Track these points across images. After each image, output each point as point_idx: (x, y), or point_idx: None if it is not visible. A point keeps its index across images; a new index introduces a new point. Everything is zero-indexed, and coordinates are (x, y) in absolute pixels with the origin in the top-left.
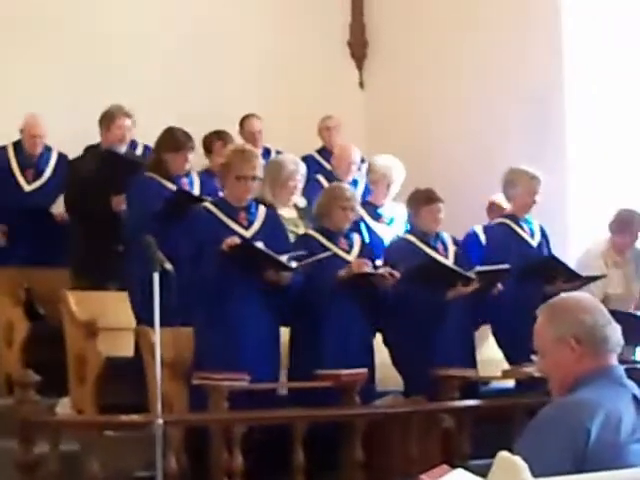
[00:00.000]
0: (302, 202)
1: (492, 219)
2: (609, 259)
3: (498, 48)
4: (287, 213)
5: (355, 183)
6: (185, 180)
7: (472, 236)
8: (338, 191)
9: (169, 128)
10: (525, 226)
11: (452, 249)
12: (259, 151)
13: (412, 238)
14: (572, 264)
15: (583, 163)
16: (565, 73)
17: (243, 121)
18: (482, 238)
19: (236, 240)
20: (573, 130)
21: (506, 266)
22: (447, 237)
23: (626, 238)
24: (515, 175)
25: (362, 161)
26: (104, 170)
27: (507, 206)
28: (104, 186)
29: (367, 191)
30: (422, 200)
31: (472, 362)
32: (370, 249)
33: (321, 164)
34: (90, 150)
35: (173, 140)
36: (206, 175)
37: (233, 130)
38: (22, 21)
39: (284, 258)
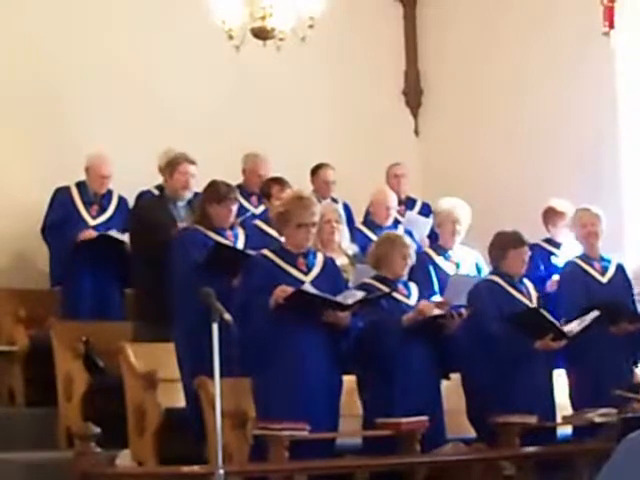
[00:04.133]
0: (352, 249)
1: (547, 225)
2: None
3: (552, 94)
4: (338, 260)
5: (395, 228)
6: (230, 233)
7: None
8: (397, 240)
9: (212, 181)
10: (597, 264)
11: (534, 295)
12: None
13: (499, 280)
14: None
15: (638, 206)
16: (619, 117)
17: (317, 169)
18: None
19: (288, 289)
20: (627, 176)
21: (595, 314)
22: (528, 282)
23: None
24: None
25: (409, 206)
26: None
27: (563, 210)
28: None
29: (435, 236)
30: (511, 243)
31: (552, 408)
32: (430, 295)
33: None
34: (161, 191)
35: (216, 192)
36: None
37: (295, 177)
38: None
39: (340, 298)
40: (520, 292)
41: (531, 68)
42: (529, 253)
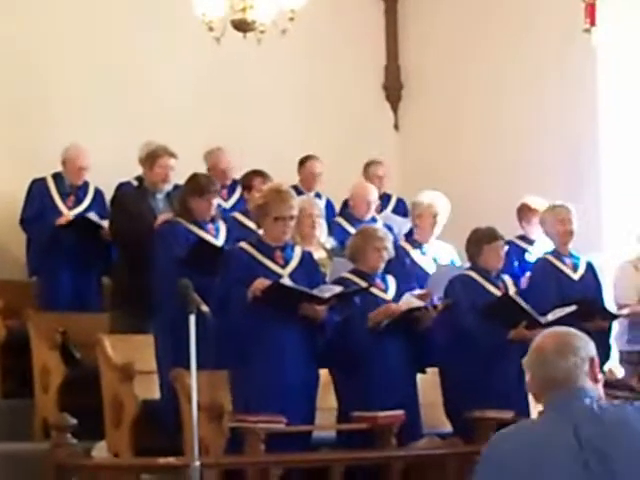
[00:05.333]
0: (330, 243)
1: (521, 222)
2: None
3: (532, 90)
4: (316, 254)
5: (374, 223)
6: (211, 226)
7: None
8: (371, 232)
9: (193, 174)
10: (568, 260)
11: (512, 290)
12: (312, 193)
13: (474, 275)
14: (609, 295)
15: (616, 204)
16: (600, 114)
17: (304, 161)
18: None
19: (265, 282)
20: (607, 174)
21: (573, 308)
22: (507, 277)
23: None
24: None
25: (384, 202)
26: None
27: (537, 207)
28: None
29: (411, 230)
30: (484, 238)
31: (527, 404)
32: (406, 289)
33: None
34: (140, 182)
35: (197, 185)
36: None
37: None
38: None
39: (316, 292)
40: (496, 287)
41: (512, 64)
42: (505, 248)
